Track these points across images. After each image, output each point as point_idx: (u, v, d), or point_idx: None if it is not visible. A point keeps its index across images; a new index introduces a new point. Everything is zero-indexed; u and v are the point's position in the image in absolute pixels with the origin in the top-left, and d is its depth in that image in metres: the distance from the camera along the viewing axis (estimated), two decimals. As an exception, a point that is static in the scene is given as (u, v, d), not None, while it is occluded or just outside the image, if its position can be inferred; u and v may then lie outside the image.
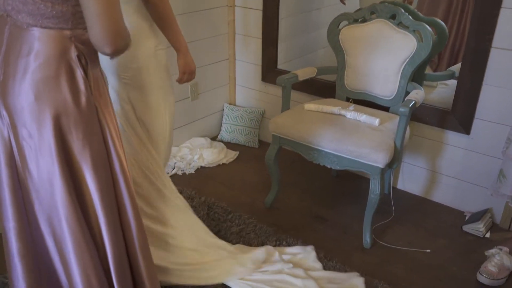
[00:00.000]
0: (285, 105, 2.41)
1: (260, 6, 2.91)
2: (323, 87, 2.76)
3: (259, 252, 2.07)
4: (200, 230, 2.10)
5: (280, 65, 3.03)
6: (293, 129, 2.26)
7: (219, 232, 2.30)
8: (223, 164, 2.97)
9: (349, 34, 2.44)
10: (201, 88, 3.08)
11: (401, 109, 2.02)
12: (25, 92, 1.28)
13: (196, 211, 2.44)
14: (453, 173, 2.50)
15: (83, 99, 1.32)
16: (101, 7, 1.15)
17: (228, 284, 1.95)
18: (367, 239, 2.24)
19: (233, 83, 3.25)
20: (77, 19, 1.26)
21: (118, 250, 1.49)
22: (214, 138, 3.24)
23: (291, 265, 2.02)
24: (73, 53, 1.29)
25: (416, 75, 2.38)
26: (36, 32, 1.25)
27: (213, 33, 3.01)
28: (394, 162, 2.13)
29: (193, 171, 2.87)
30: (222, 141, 3.20)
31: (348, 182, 2.79)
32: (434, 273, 2.11)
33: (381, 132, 2.15)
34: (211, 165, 2.94)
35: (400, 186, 2.72)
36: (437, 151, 2.51)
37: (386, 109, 2.42)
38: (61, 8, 1.23)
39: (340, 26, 2.47)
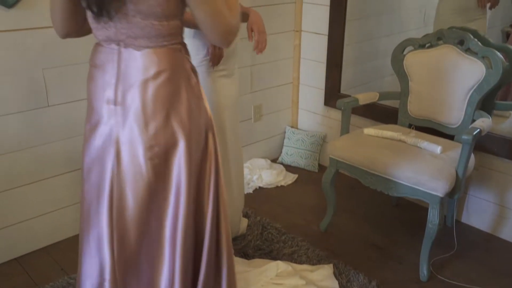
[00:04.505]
0: (344, 129, 2.40)
1: (326, 32, 2.94)
2: (385, 113, 2.71)
3: (273, 265, 2.09)
4: None
5: (345, 91, 3.02)
6: (350, 153, 2.23)
7: (271, 253, 2.30)
8: (281, 186, 2.98)
9: (414, 59, 2.40)
10: (265, 109, 3.14)
11: (464, 137, 1.94)
12: (152, 111, 1.33)
13: (251, 230, 2.46)
14: (524, 209, 2.33)
15: (198, 104, 1.42)
16: (214, 19, 1.29)
17: None
18: (424, 271, 2.14)
19: (296, 106, 3.28)
20: (182, 31, 1.37)
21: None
22: (274, 160, 3.27)
23: (304, 281, 2.02)
24: (187, 64, 1.38)
25: (485, 103, 2.28)
26: (154, 52, 1.31)
27: (278, 57, 3.07)
28: (455, 192, 2.04)
29: (251, 191, 2.90)
30: (282, 164, 3.22)
31: (408, 212, 2.69)
32: (497, 314, 1.96)
33: (443, 160, 2.07)
34: (269, 186, 2.96)
35: (464, 219, 2.58)
36: (506, 185, 2.36)
37: (451, 137, 2.33)
38: (174, 24, 1.31)
39: (405, 52, 2.44)
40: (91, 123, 1.42)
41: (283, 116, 3.28)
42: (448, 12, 2.78)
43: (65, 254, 2.29)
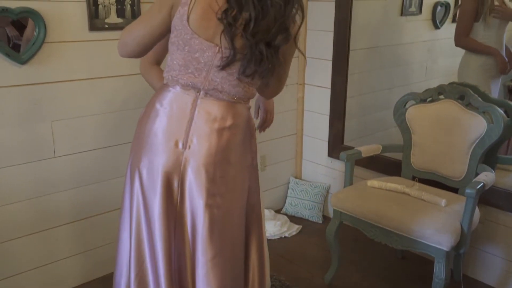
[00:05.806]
0: (348, 180, 2.41)
1: (329, 85, 3.00)
2: (389, 165, 2.73)
3: None
4: None
5: (349, 142, 3.05)
6: (354, 205, 2.23)
7: (274, 306, 2.25)
8: (285, 237, 2.96)
9: (416, 113, 2.44)
10: (269, 160, 3.16)
11: (467, 190, 1.94)
12: (222, 158, 1.42)
13: (254, 282, 2.42)
14: (531, 264, 2.29)
15: (256, 158, 1.55)
16: (283, 81, 1.58)
17: None
18: (431, 328, 2.08)
19: (299, 157, 3.31)
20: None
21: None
22: (278, 211, 3.26)
23: None
24: (252, 121, 1.52)
25: (488, 157, 2.29)
26: (233, 106, 1.43)
27: (282, 109, 3.13)
28: (461, 246, 2.02)
29: (254, 242, 2.87)
30: (286, 214, 3.21)
31: (414, 265, 2.65)
32: None
33: (447, 214, 2.06)
34: (273, 237, 2.93)
35: (471, 274, 2.53)
36: (512, 239, 2.34)
37: (454, 190, 2.33)
38: (254, 90, 1.49)
39: (407, 105, 2.48)
40: (146, 165, 1.45)
41: (287, 167, 3.30)
42: (472, 67, 2.78)
43: (65, 307, 2.26)
